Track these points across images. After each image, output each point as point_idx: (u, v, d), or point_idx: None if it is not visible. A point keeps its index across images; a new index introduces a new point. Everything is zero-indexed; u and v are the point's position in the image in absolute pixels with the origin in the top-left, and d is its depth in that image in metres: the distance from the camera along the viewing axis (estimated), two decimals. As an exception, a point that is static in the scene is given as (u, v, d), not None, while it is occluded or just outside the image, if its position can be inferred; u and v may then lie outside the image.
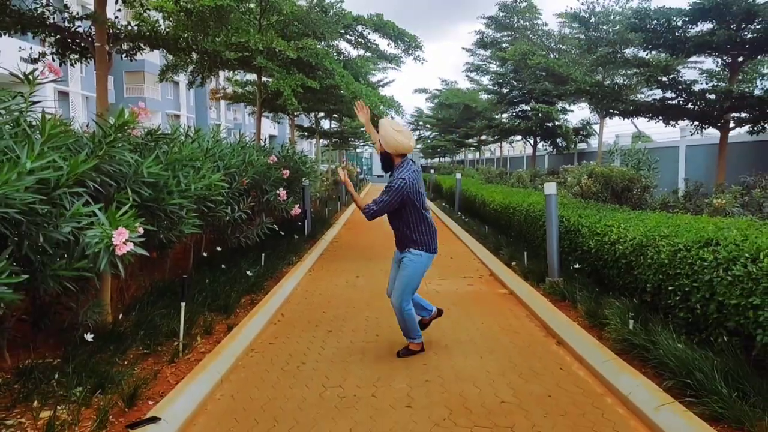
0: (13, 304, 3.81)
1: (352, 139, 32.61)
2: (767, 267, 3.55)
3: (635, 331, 4.58)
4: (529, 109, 23.00)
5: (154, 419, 3.39)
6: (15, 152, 3.13)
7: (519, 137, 27.02)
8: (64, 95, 32.81)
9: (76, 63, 7.50)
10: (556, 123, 22.44)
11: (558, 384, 4.27)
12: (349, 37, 13.57)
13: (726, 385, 3.51)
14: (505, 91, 24.83)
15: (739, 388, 3.50)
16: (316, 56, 10.87)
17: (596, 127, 21.78)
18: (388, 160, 4.77)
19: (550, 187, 7.07)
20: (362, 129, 25.87)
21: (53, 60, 7.25)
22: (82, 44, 7.07)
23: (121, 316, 5.18)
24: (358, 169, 43.70)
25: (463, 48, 27.86)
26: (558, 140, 23.12)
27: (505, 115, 27.21)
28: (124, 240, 3.50)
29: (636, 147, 13.41)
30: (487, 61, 27.07)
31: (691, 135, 13.41)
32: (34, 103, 3.93)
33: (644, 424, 3.55)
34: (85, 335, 4.36)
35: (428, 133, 49.66)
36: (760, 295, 3.55)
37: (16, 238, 3.45)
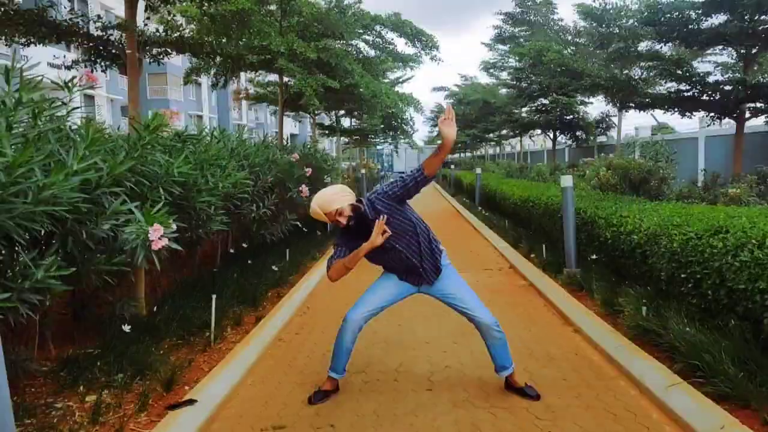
0: (58, 296, 4.10)
1: (372, 136, 32.83)
2: (773, 252, 3.68)
3: (648, 317, 4.73)
4: (548, 102, 23.03)
5: (191, 401, 3.64)
6: (61, 155, 3.39)
7: (539, 131, 27.04)
8: (90, 99, 33.53)
9: (106, 69, 7.82)
10: (577, 115, 22.44)
11: (573, 368, 4.44)
12: (367, 37, 13.78)
13: (734, 366, 3.65)
14: (524, 85, 24.88)
15: (746, 369, 3.64)
16: (336, 57, 11.10)
17: (615, 120, 21.76)
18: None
19: (567, 180, 7.21)
20: (382, 126, 25.91)
21: (85, 66, 7.57)
22: (114, 51, 7.38)
23: (155, 309, 5.45)
24: (379, 167, 43.94)
25: (482, 43, 28.06)
26: (578, 133, 23.11)
27: (524, 110, 27.25)
28: (159, 236, 3.74)
29: (655, 139, 13.44)
30: (505, 56, 27.14)
31: (708, 126, 13.41)
32: (74, 109, 4.20)
33: (654, 404, 3.71)
34: (122, 327, 4.62)
35: (448, 128, 49.66)
36: (766, 279, 3.68)
37: (61, 235, 3.72)
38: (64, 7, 7.57)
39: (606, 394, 3.93)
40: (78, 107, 4.11)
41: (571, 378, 4.24)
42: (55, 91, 4.04)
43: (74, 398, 3.72)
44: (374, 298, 3.89)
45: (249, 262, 7.71)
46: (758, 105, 11.78)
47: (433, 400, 3.93)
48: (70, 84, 3.96)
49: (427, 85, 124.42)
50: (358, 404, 3.88)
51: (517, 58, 23.78)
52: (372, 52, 15.63)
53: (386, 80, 19.76)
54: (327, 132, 27.29)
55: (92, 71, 7.30)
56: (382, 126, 24.05)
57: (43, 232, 3.51)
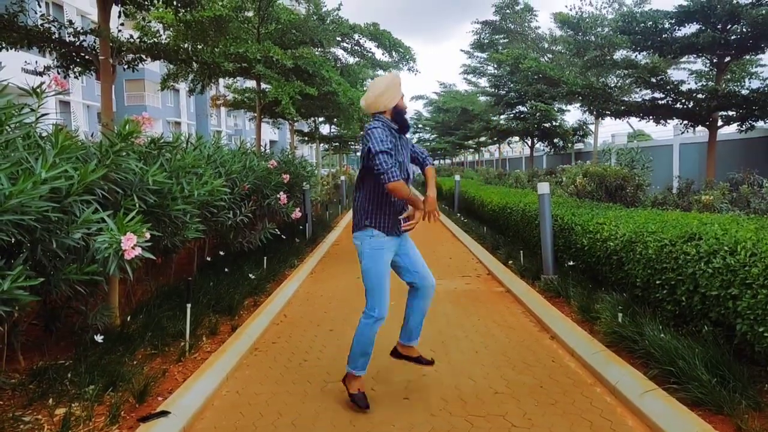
0: (27, 307, 4.01)
1: (352, 143, 32.81)
2: (744, 259, 3.72)
3: (624, 323, 4.77)
4: (527, 109, 23.22)
5: (164, 413, 3.57)
6: (29, 163, 3.32)
7: (517, 138, 27.28)
8: (65, 105, 33.10)
9: (80, 75, 7.71)
10: (555, 123, 22.66)
11: (550, 375, 4.45)
12: (345, 45, 13.79)
13: (707, 372, 3.68)
14: (502, 92, 25.08)
15: (719, 375, 3.68)
16: (313, 64, 11.08)
17: (592, 127, 22.01)
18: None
19: (543, 187, 7.25)
20: (360, 134, 25.98)
21: (58, 73, 7.46)
22: (87, 57, 7.28)
23: (129, 318, 5.36)
24: (359, 173, 43.95)
25: (462, 50, 28.25)
26: (555, 140, 23.34)
27: (502, 117, 27.46)
28: (132, 245, 3.69)
29: (630, 146, 13.62)
30: (484, 64, 27.36)
31: (681, 134, 13.61)
32: (43, 115, 4.12)
33: (630, 411, 3.73)
34: (95, 337, 4.54)
35: (428, 135, 49.96)
36: (738, 285, 3.72)
37: (29, 244, 3.64)
38: (35, 12, 7.44)
39: (582, 401, 3.94)
40: (48, 114, 4.03)
41: (547, 385, 4.25)
42: (26, 97, 3.96)
43: (43, 411, 3.64)
44: (387, 285, 3.95)
45: (226, 270, 7.63)
46: (730, 113, 12.00)
47: (409, 408, 3.91)
48: (38, 90, 3.88)
49: (410, 90, 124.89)
50: (335, 414, 3.85)
51: (495, 65, 23.95)
52: (351, 60, 15.65)
53: (364, 89, 19.75)
54: (306, 138, 27.22)
55: (65, 77, 7.19)
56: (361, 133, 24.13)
57: (13, 240, 3.43)
